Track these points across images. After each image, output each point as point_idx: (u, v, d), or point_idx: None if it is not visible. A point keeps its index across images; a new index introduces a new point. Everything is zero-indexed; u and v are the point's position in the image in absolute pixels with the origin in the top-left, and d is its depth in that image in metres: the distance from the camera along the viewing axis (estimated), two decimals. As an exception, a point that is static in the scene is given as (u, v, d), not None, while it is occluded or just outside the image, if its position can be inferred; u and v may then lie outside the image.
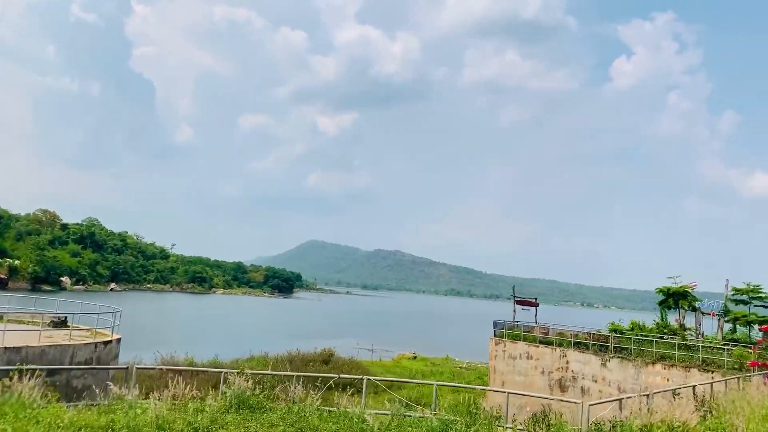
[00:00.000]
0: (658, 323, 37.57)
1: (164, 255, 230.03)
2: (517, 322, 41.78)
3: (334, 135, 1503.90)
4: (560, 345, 35.79)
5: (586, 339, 35.79)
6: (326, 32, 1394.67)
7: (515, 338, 38.79)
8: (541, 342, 37.38)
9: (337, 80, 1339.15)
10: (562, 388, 33.30)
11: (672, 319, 37.65)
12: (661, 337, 33.27)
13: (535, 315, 43.02)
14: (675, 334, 34.38)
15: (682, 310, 36.31)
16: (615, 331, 36.32)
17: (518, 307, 43.02)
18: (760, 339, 28.80)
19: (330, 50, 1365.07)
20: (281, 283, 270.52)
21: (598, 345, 34.06)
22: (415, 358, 65.85)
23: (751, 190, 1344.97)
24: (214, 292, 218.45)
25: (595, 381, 32.51)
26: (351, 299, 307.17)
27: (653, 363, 29.90)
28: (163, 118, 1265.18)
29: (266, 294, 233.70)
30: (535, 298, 46.29)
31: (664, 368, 29.18)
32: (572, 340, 36.02)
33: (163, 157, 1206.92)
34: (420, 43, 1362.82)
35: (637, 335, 33.89)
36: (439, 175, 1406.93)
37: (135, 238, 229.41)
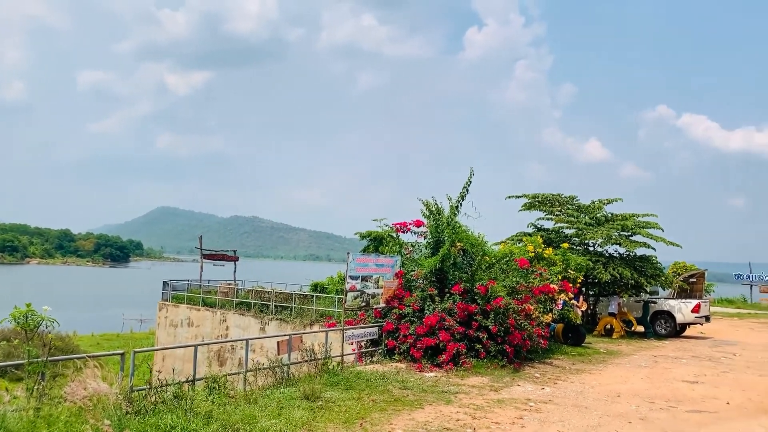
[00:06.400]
0: None
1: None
2: (208, 280, 37.07)
3: (186, 95, 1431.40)
4: (222, 307, 31.08)
5: (248, 297, 31.20)
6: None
7: (179, 301, 33.64)
8: (205, 304, 32.11)
9: (189, 37, 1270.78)
10: (221, 361, 29.27)
11: None
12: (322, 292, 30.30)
13: (234, 272, 38.59)
14: None
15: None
16: (317, 287, 32.88)
17: (210, 262, 38.59)
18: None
19: (180, 5, 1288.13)
20: (115, 251, 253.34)
21: (260, 305, 29.93)
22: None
23: (585, 157, 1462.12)
24: (28, 263, 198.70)
25: (253, 350, 27.96)
26: (190, 267, 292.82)
27: (311, 324, 27.02)
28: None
29: (90, 263, 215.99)
30: (234, 251, 41.73)
31: (321, 328, 26.17)
32: (234, 299, 30.96)
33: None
34: (276, 1, 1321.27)
35: (337, 291, 30.63)
36: (298, 140, 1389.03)
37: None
